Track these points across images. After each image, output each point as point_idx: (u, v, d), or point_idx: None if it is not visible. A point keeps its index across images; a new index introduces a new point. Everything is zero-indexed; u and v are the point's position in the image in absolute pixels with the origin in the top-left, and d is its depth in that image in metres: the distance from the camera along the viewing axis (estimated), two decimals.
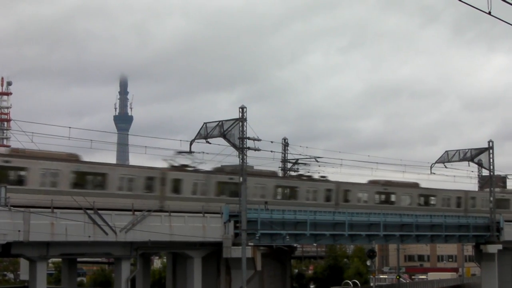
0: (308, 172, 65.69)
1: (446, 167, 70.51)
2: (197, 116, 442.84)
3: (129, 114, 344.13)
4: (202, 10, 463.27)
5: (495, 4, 22.76)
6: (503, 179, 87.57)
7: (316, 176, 64.33)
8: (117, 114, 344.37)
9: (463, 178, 76.33)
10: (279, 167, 65.89)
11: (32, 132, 44.08)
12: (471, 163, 70.91)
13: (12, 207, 39.27)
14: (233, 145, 49.80)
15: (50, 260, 61.92)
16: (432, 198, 72.71)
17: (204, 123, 51.31)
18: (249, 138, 49.47)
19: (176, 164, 53.60)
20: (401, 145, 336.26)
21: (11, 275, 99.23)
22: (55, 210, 41.13)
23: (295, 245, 65.27)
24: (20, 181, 44.21)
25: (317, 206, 59.40)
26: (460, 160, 70.51)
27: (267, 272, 58.31)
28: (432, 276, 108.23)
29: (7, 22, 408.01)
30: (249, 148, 49.60)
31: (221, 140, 50.58)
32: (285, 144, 67.05)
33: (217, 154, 51.32)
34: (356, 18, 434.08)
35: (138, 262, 50.35)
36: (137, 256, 47.83)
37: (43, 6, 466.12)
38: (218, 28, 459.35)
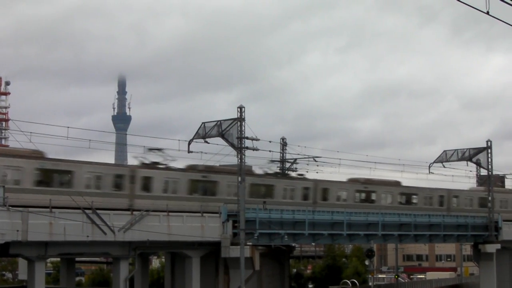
0: (287, 170, 65.41)
1: (444, 166, 70.60)
2: (196, 116, 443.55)
3: (127, 114, 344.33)
4: (201, 10, 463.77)
5: (493, 4, 22.80)
6: (501, 179, 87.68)
7: (293, 174, 63.01)
8: (115, 114, 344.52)
9: (462, 178, 76.10)
10: (277, 167, 65.85)
11: (31, 132, 44.02)
12: (469, 163, 70.98)
13: (10, 207, 39.26)
14: (231, 145, 49.84)
15: (48, 260, 61.95)
16: (414, 196, 71.15)
17: (203, 123, 51.34)
18: (247, 138, 49.52)
19: (146, 162, 52.02)
20: (399, 145, 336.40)
21: (9, 275, 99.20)
22: (53, 210, 41.12)
23: (293, 244, 65.29)
24: None
25: (294, 205, 57.76)
26: (459, 159, 70.53)
27: (265, 271, 58.32)
28: (431, 275, 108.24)
29: (6, 22, 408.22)
30: (247, 148, 49.65)
31: (219, 140, 50.65)
32: (283, 143, 67.03)
33: (215, 154, 51.34)
34: (354, 18, 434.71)
35: (136, 261, 50.40)
36: (136, 256, 47.83)
37: (42, 6, 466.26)
38: (216, 28, 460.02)
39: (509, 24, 24.76)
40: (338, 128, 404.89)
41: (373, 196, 66.53)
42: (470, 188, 77.67)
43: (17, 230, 38.99)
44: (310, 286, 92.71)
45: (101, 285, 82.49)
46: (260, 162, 58.32)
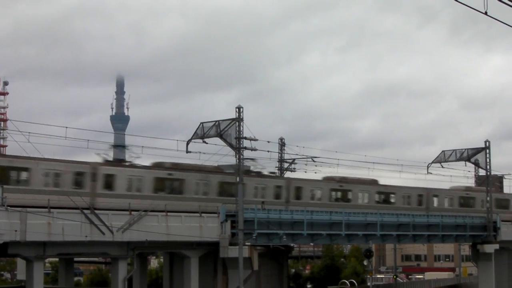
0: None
1: (442, 166, 70.70)
2: (195, 116, 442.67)
3: (126, 114, 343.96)
4: (200, 10, 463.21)
5: (492, 4, 22.86)
6: (500, 179, 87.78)
7: (266, 172, 60.46)
8: (113, 114, 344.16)
9: (460, 178, 75.88)
10: (276, 167, 65.95)
11: (29, 132, 43.88)
12: (468, 163, 71.07)
13: (9, 207, 39.27)
14: (230, 145, 49.90)
15: (47, 260, 61.98)
16: (392, 195, 68.95)
17: (201, 123, 51.41)
18: (245, 138, 49.58)
19: (109, 159, 50.11)
20: (398, 145, 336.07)
21: (8, 275, 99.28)
22: (52, 210, 41.13)
23: (292, 244, 65.23)
24: None
25: (265, 204, 56.03)
26: (457, 160, 70.64)
27: (264, 271, 58.35)
28: (429, 275, 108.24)
29: (5, 22, 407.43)
30: (245, 148, 49.69)
31: (218, 140, 50.69)
32: (282, 144, 67.07)
33: (213, 154, 51.33)
34: (354, 18, 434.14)
35: (135, 262, 50.31)
36: (134, 256, 47.80)
37: (40, 6, 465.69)
38: (215, 28, 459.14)
39: (508, 25, 24.83)
40: (337, 128, 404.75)
41: (349, 195, 64.41)
42: (450, 187, 75.98)
43: (16, 230, 38.99)
44: (309, 286, 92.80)
45: (100, 285, 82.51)
46: (258, 162, 58.24)
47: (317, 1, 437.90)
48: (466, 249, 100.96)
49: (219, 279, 52.33)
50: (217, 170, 54.58)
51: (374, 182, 67.12)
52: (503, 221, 72.17)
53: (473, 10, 22.69)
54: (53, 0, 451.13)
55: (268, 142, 55.92)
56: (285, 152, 66.80)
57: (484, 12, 23.05)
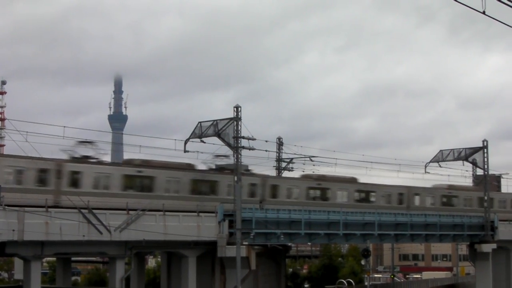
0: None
1: (440, 166, 70.72)
2: (193, 115, 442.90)
3: (124, 113, 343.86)
4: (198, 10, 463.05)
5: (490, 4, 22.87)
6: (497, 179, 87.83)
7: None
8: (111, 113, 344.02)
9: (458, 178, 75.77)
10: (274, 166, 65.93)
11: (27, 132, 43.84)
12: (465, 163, 71.10)
13: (6, 206, 39.22)
14: (228, 144, 49.90)
15: (44, 260, 61.86)
16: (372, 194, 67.20)
17: (199, 122, 51.41)
18: (243, 137, 49.54)
19: (76, 155, 48.06)
20: (396, 145, 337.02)
21: (5, 275, 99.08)
22: (49, 209, 41.10)
23: (289, 244, 65.18)
24: None
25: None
26: (455, 159, 70.68)
27: (261, 271, 58.38)
28: (427, 275, 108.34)
29: (4, 21, 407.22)
30: (243, 147, 49.68)
31: (215, 140, 50.68)
32: (280, 143, 67.03)
33: (212, 154, 51.28)
34: (352, 18, 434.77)
35: (132, 261, 50.34)
36: (132, 256, 47.79)
37: (39, 6, 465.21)
38: (214, 27, 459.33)
39: (506, 24, 24.84)
40: (335, 128, 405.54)
41: (328, 194, 62.85)
42: (433, 185, 74.51)
43: (13, 230, 38.94)
44: (306, 285, 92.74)
45: (97, 285, 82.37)
46: (256, 161, 58.19)
47: (316, 1, 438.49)
48: (463, 249, 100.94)
49: (217, 278, 52.29)
50: (190, 167, 53.29)
51: (353, 180, 65.68)
52: (500, 220, 72.19)
53: (472, 9, 22.70)
54: (51, 0, 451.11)
55: (266, 141, 55.97)
56: (283, 151, 66.73)
57: (482, 11, 23.06)
